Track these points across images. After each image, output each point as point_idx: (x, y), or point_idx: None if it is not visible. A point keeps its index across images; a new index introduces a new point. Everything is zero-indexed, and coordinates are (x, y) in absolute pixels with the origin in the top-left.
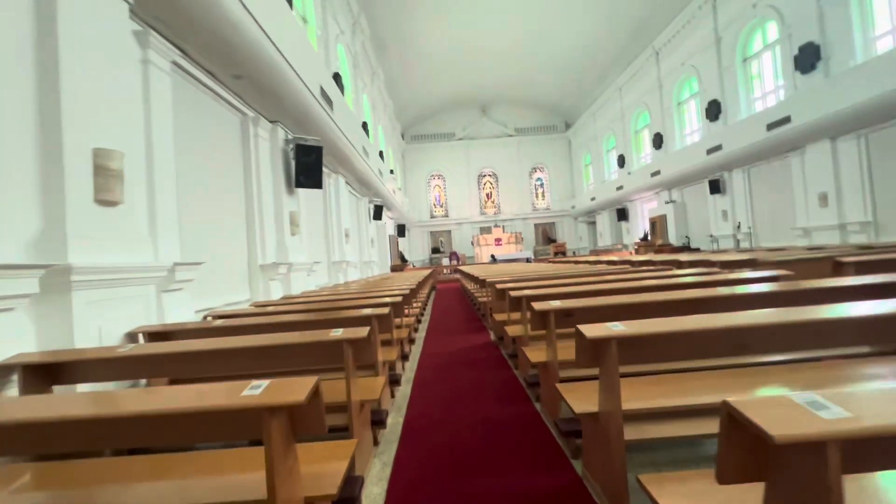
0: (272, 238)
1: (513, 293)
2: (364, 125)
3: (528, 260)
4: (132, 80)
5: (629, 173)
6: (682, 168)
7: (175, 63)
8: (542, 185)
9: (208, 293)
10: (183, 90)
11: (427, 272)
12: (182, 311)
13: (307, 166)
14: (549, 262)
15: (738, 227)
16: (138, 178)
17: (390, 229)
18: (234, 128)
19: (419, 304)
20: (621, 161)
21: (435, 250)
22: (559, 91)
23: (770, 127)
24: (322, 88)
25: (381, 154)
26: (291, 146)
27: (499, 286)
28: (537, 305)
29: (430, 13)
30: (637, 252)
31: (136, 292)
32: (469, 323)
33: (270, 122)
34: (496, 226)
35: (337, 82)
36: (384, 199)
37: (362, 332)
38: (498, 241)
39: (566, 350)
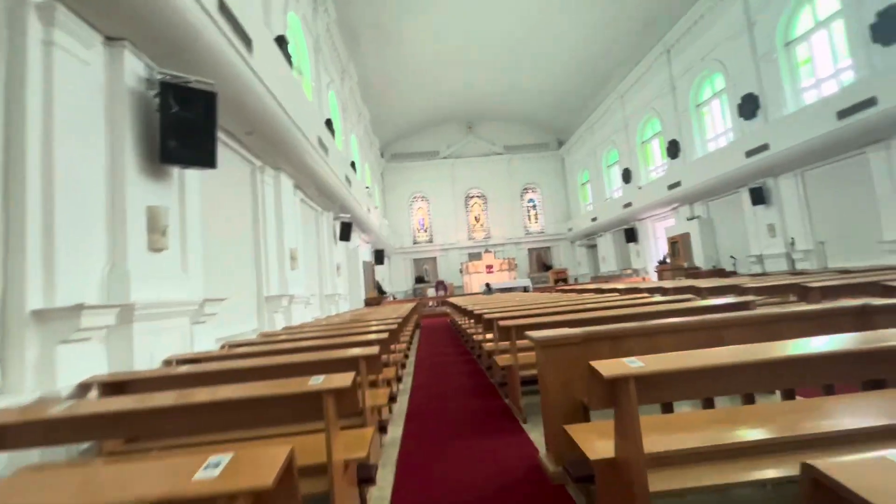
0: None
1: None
2: (328, 122)
3: (525, 289)
4: None
5: (638, 188)
6: (712, 176)
7: None
8: (534, 206)
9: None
10: None
11: (410, 305)
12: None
13: (186, 126)
14: (556, 291)
15: (793, 243)
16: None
17: (365, 254)
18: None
19: (400, 353)
20: (627, 176)
21: (419, 280)
22: (551, 106)
23: (843, 115)
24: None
25: (353, 165)
26: (156, 90)
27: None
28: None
29: (414, 24)
30: (662, 278)
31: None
32: (470, 378)
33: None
34: (486, 251)
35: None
36: (356, 217)
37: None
38: (489, 268)
39: None
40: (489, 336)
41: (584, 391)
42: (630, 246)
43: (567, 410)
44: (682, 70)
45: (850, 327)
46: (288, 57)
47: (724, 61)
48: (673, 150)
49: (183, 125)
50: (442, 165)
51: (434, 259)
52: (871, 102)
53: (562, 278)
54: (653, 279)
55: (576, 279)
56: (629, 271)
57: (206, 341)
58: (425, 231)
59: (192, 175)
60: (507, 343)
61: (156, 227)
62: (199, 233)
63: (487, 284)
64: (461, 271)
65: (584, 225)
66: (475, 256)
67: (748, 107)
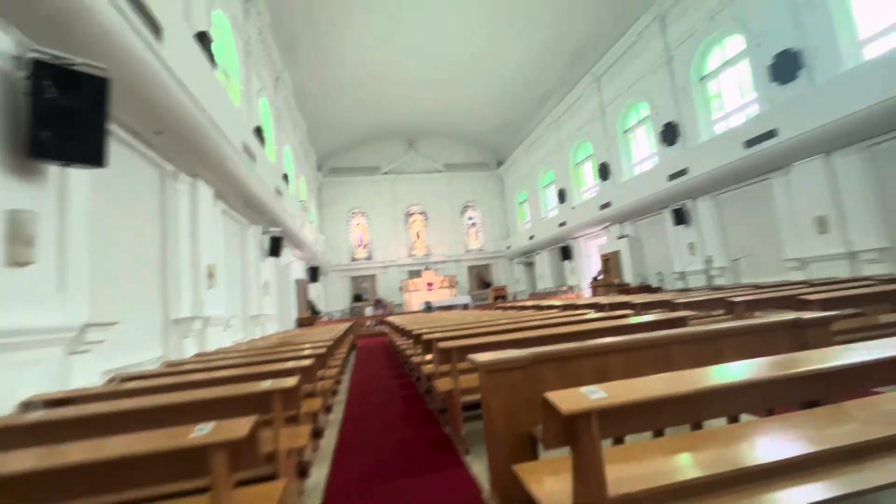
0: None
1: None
2: (258, 129)
3: (465, 307)
4: None
5: (573, 208)
6: (639, 198)
7: None
8: (474, 224)
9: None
10: None
11: (346, 325)
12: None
13: (67, 116)
14: (496, 308)
15: (710, 261)
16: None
17: (298, 272)
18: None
19: (330, 380)
20: (562, 196)
21: (357, 298)
22: (491, 126)
23: (749, 144)
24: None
25: (286, 177)
26: (27, 71)
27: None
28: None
29: (355, 37)
30: (596, 294)
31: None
32: (408, 404)
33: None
34: (427, 269)
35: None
36: (287, 232)
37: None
38: (430, 285)
39: None
40: (428, 358)
41: (532, 420)
42: (565, 263)
43: (514, 442)
44: (611, 98)
45: (786, 339)
46: (211, 56)
47: (648, 91)
48: (604, 172)
49: (63, 115)
50: (382, 181)
51: (373, 277)
52: (772, 134)
53: (501, 295)
54: (587, 295)
55: (514, 296)
56: (565, 288)
57: (90, 375)
58: (364, 248)
59: (79, 176)
60: (447, 366)
61: (19, 236)
62: (85, 245)
63: (427, 302)
64: (401, 289)
65: (523, 243)
66: (415, 274)
67: (669, 134)
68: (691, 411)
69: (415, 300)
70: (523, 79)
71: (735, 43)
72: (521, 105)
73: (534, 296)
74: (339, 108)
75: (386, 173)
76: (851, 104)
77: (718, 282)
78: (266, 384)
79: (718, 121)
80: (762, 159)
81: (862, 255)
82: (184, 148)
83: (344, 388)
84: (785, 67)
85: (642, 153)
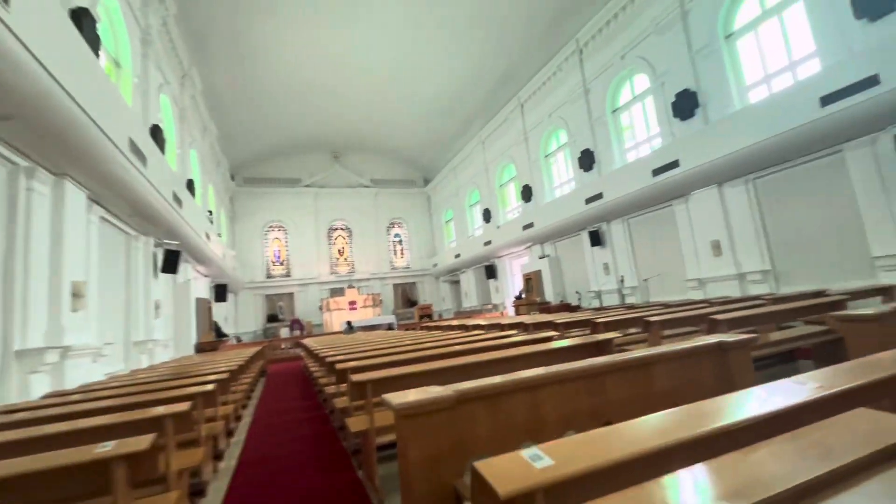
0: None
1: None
2: (155, 128)
3: (390, 326)
4: None
5: (497, 227)
6: (559, 219)
7: None
8: (400, 241)
9: None
10: None
11: (256, 349)
12: None
13: None
14: (421, 327)
15: (622, 281)
16: None
17: (201, 290)
18: None
19: (222, 420)
20: (487, 215)
21: (272, 318)
22: (418, 144)
23: (656, 173)
24: None
25: (190, 184)
26: None
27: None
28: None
29: (277, 41)
30: (519, 312)
31: None
32: (319, 443)
33: None
34: (350, 286)
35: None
36: (188, 245)
37: None
38: (352, 304)
39: None
40: (343, 388)
41: (457, 470)
42: (490, 282)
43: (435, 499)
44: (534, 123)
45: (711, 362)
46: (93, 38)
47: (567, 119)
48: (527, 194)
49: None
50: (304, 195)
51: (291, 295)
52: (675, 164)
53: (427, 314)
54: (510, 313)
55: (440, 314)
56: (489, 306)
57: None
58: (282, 264)
59: None
60: (362, 401)
61: None
62: None
63: (349, 322)
64: (321, 308)
65: (449, 261)
66: (338, 292)
67: (586, 160)
68: (657, 469)
69: (336, 320)
70: (451, 99)
71: (642, 80)
72: (448, 124)
73: (459, 314)
74: (257, 115)
75: (308, 186)
76: (738, 142)
77: (630, 300)
78: (106, 449)
79: (630, 150)
80: (666, 187)
81: (748, 277)
82: (45, 141)
83: (245, 423)
84: (684, 105)
85: (562, 177)
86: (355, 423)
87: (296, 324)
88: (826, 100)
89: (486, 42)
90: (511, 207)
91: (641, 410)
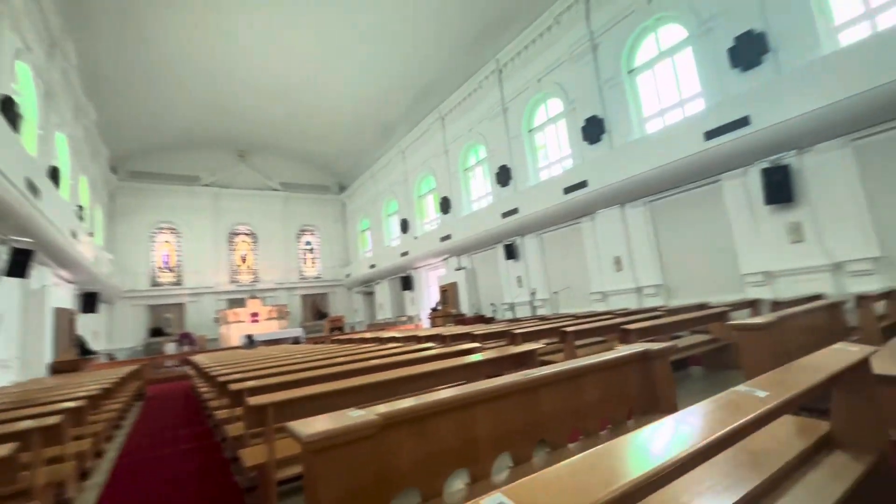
0: None
1: None
2: (6, 100)
3: (296, 340)
4: None
5: (415, 238)
6: (476, 232)
7: None
8: (311, 249)
9: None
10: None
11: (131, 368)
12: None
13: None
14: (332, 341)
15: (534, 293)
16: None
17: (62, 299)
18: None
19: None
20: (405, 226)
21: (156, 332)
22: (335, 149)
23: (567, 191)
24: None
25: (54, 172)
26: None
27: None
28: None
29: (175, 20)
30: (435, 324)
31: None
32: (205, 481)
33: None
34: (253, 297)
35: None
36: (46, 244)
37: None
38: (254, 316)
39: None
40: (239, 412)
41: None
42: (406, 293)
43: None
44: (454, 137)
45: (637, 371)
46: None
47: (486, 135)
48: (445, 206)
49: None
50: (202, 194)
51: (181, 306)
52: (584, 184)
53: (338, 326)
54: (426, 325)
55: (352, 327)
56: (404, 318)
57: None
58: (171, 271)
59: None
60: (261, 428)
61: None
62: None
63: (249, 336)
64: (218, 320)
65: (363, 271)
66: (238, 303)
67: (503, 176)
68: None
69: (235, 333)
70: (371, 106)
71: (556, 104)
72: (367, 132)
73: (372, 326)
74: (149, 101)
75: (207, 185)
76: (637, 167)
77: (540, 312)
78: None
79: (543, 168)
80: (576, 205)
81: (645, 290)
82: None
83: (111, 457)
84: (592, 130)
85: (480, 191)
86: (251, 455)
87: (185, 338)
88: (709, 135)
89: (410, 53)
90: (429, 219)
91: (572, 424)
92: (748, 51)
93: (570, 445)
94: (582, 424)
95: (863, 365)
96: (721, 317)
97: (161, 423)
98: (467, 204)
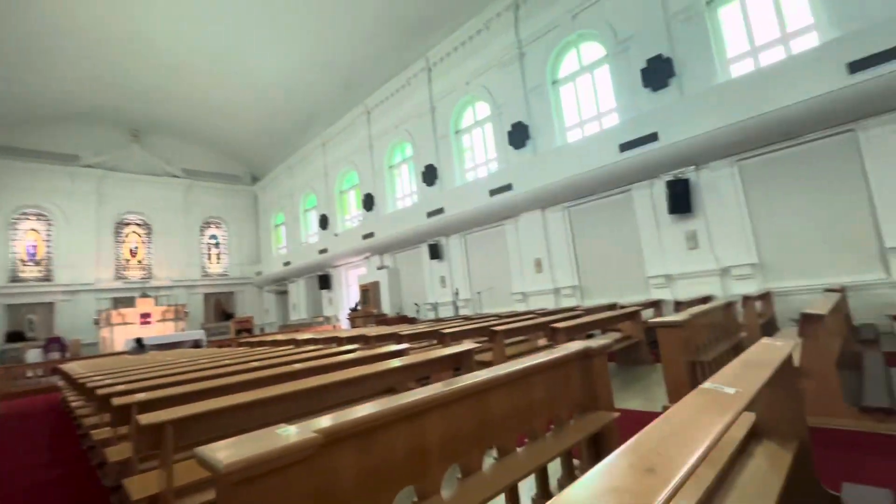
0: None
1: None
2: None
3: (196, 344)
4: None
5: (335, 235)
6: (401, 230)
7: None
8: (217, 244)
9: None
10: None
11: None
12: None
13: None
14: (240, 343)
15: (457, 293)
16: None
17: None
18: None
19: None
20: (324, 222)
21: (15, 336)
22: (249, 136)
23: (493, 193)
24: None
25: None
26: None
27: None
28: None
29: None
30: (354, 325)
31: None
32: None
33: None
34: (144, 296)
35: None
36: None
37: None
38: (146, 317)
39: None
40: (124, 431)
41: None
42: (323, 293)
43: None
44: (380, 133)
45: (578, 368)
46: None
47: (413, 133)
48: (368, 202)
49: None
50: (83, 177)
51: (50, 305)
52: (509, 187)
53: (246, 328)
54: (345, 326)
55: (262, 328)
56: (321, 318)
57: None
58: (38, 264)
59: None
60: (156, 449)
61: None
62: None
63: (138, 340)
64: (98, 322)
65: (276, 269)
66: (125, 302)
67: (429, 175)
68: None
69: (121, 337)
70: (290, 92)
71: (484, 107)
72: (285, 120)
73: (286, 328)
74: (14, 60)
75: (90, 166)
76: (559, 173)
77: (463, 312)
78: None
79: (469, 170)
80: (501, 207)
81: (562, 291)
82: None
83: None
84: (518, 136)
85: (405, 189)
86: (140, 485)
87: (54, 343)
88: (623, 147)
89: (336, 38)
90: (351, 215)
91: (520, 426)
92: (657, 73)
93: (518, 450)
94: (528, 426)
95: (788, 359)
96: (633, 316)
97: (15, 448)
98: (392, 202)
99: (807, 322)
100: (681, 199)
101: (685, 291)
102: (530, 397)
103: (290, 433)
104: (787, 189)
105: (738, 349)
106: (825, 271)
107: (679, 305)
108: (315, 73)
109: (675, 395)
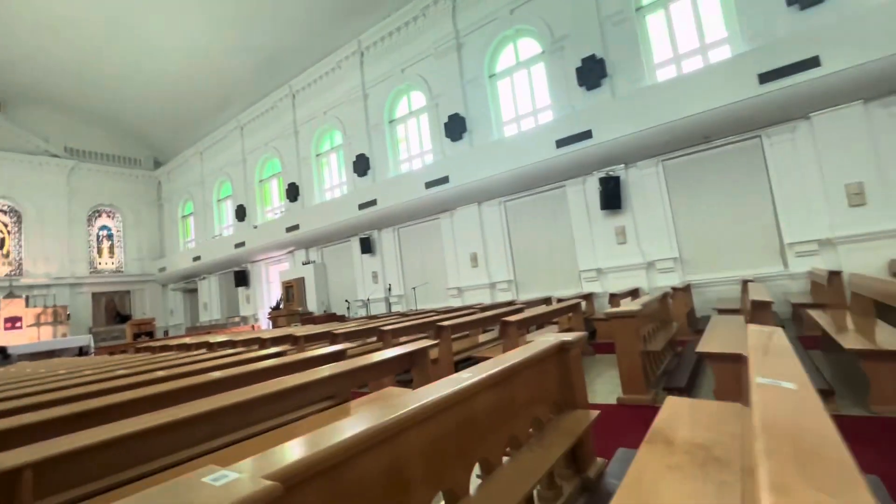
0: None
1: None
2: None
3: (81, 351)
4: None
5: (254, 227)
6: (329, 223)
7: None
8: (110, 236)
9: None
10: None
11: None
12: None
13: None
14: (138, 349)
15: (389, 289)
16: None
17: None
18: None
19: None
20: (241, 213)
21: None
22: (150, 113)
23: (429, 185)
24: None
25: None
26: None
27: None
28: None
29: None
30: (277, 325)
31: None
32: None
33: None
34: (12, 296)
35: None
36: None
37: None
38: (12, 322)
39: None
40: None
41: None
42: (240, 290)
43: None
44: (307, 118)
45: (555, 361)
46: None
47: (343, 120)
48: (293, 193)
49: None
50: None
51: None
52: (446, 180)
53: (146, 332)
54: (265, 326)
55: (166, 332)
56: (237, 319)
57: None
58: None
59: None
60: None
61: None
62: None
63: (2, 349)
64: None
65: (184, 265)
66: None
67: (361, 165)
68: None
69: None
70: (203, 66)
71: (419, 97)
72: (195, 98)
73: (194, 330)
74: None
75: None
76: (495, 167)
77: (396, 308)
78: None
79: (404, 161)
80: (437, 200)
81: (498, 285)
82: None
83: None
84: (455, 128)
85: (334, 180)
86: None
87: None
88: (559, 143)
89: (257, 13)
90: (273, 206)
91: (506, 433)
92: (592, 72)
93: (504, 461)
94: (511, 432)
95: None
96: (574, 308)
97: None
98: (319, 192)
99: (756, 308)
100: (612, 196)
101: (614, 284)
102: (512, 397)
103: (232, 483)
104: (703, 188)
105: (673, 341)
106: (735, 265)
107: (613, 298)
108: (232, 47)
109: (629, 385)
